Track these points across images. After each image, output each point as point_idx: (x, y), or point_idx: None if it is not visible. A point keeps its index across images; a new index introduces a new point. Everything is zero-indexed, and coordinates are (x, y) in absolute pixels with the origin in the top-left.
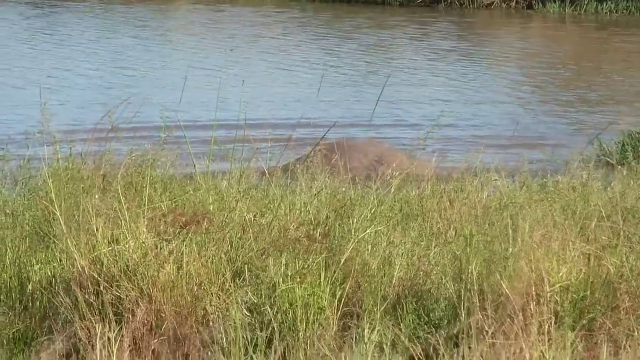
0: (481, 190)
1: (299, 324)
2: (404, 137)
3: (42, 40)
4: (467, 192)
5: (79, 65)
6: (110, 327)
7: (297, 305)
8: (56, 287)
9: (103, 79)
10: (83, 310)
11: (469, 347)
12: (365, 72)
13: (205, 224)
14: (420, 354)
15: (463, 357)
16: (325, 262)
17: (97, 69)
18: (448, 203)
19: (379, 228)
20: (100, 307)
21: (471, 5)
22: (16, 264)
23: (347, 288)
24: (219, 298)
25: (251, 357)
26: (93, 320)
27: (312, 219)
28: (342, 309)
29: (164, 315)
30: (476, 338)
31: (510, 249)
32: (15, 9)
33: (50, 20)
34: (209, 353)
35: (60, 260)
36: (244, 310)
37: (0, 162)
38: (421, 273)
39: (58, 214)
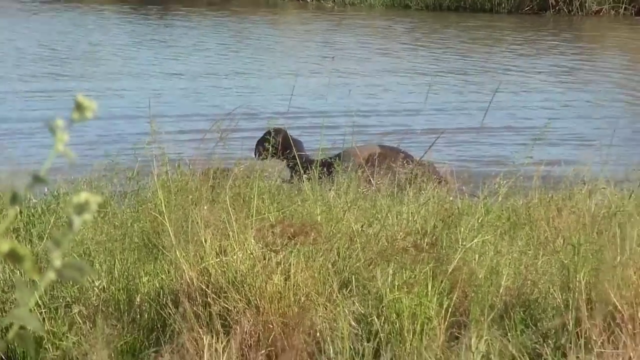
0: (589, 198)
1: (406, 334)
2: (510, 145)
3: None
4: (575, 200)
5: (184, 75)
6: (218, 338)
7: (404, 316)
8: (164, 299)
9: (208, 87)
10: (191, 321)
11: (577, 357)
12: (472, 80)
13: (313, 234)
14: None
15: None
16: (432, 272)
17: (205, 76)
18: (556, 212)
19: (486, 237)
20: (208, 319)
21: (579, 13)
22: (125, 276)
23: (454, 298)
24: (326, 309)
25: None
26: (201, 332)
27: (420, 228)
28: (449, 318)
29: (271, 327)
30: (584, 347)
31: (619, 258)
32: (130, 23)
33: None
34: None
35: (169, 272)
36: (351, 321)
37: (109, 174)
38: (529, 282)
39: (168, 225)
